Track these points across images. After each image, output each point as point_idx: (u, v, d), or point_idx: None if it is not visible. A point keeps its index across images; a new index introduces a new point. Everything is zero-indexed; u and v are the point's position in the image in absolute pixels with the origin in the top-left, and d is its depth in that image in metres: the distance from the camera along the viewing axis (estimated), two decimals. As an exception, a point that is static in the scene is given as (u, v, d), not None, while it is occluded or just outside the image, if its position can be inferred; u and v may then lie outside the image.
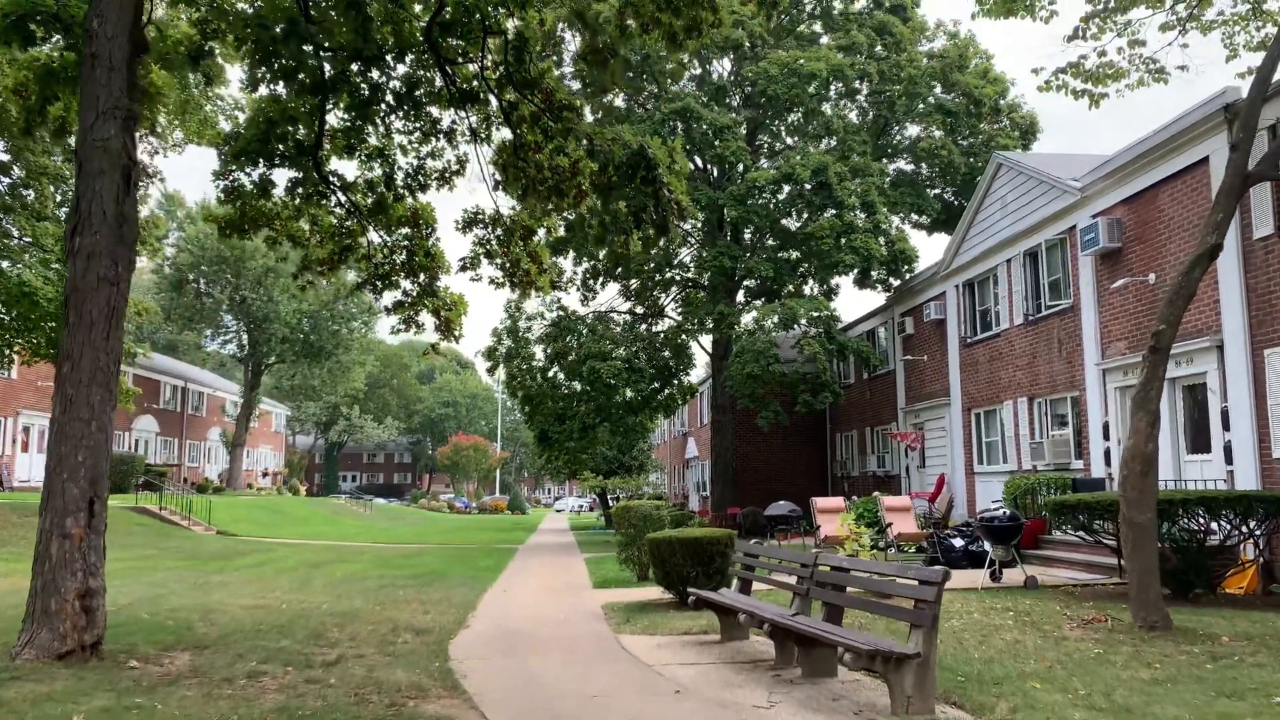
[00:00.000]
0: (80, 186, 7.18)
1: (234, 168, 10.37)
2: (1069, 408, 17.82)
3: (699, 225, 29.62)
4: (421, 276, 11.53)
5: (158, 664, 7.23)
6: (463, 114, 10.63)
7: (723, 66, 28.81)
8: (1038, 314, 18.81)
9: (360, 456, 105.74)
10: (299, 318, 47.02)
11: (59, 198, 20.55)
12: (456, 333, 11.61)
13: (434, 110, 10.79)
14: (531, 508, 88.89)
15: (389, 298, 11.73)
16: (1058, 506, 12.71)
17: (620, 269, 27.19)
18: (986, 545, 15.16)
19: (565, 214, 10.56)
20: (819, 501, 15.79)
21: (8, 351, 21.99)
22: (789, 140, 29.00)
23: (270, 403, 62.64)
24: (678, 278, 29.99)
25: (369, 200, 11.08)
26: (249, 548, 22.68)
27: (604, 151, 8.41)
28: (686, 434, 44.52)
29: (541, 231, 10.99)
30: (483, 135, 10.95)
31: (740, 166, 26.51)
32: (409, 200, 11.19)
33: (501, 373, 27.82)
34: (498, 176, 10.97)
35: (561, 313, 28.18)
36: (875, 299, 27.92)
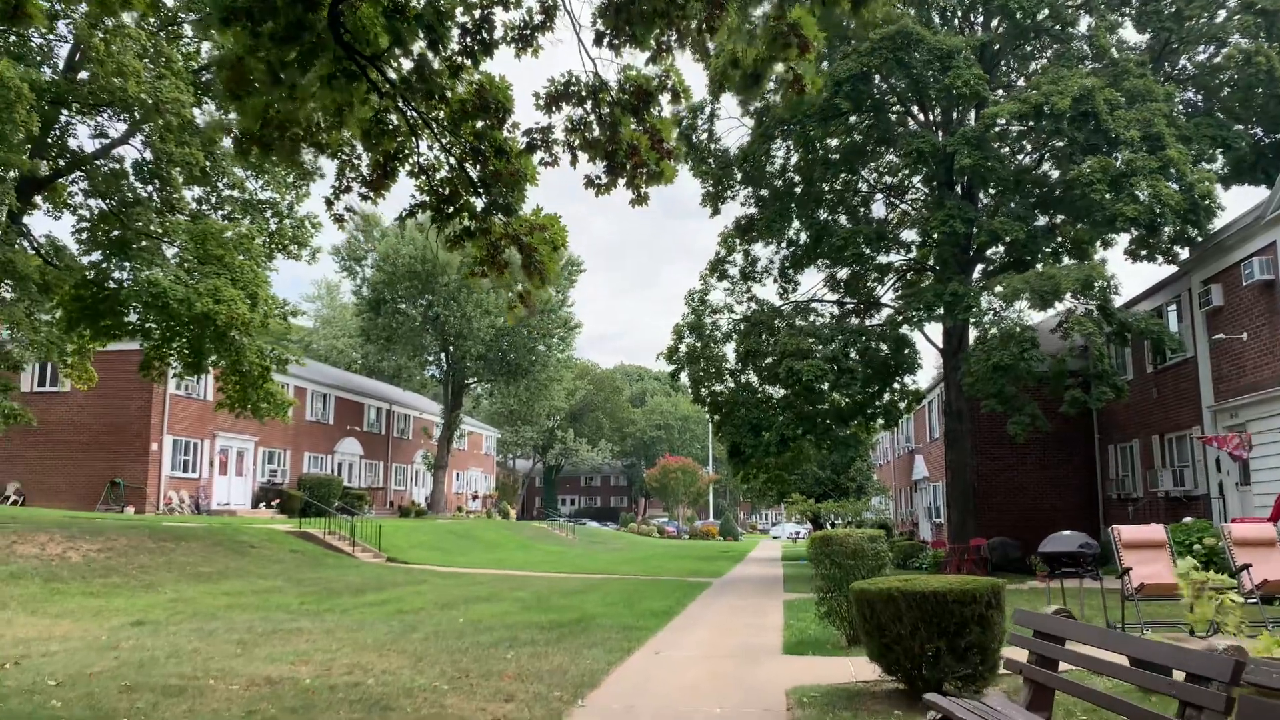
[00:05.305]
0: None
1: (215, 32, 6.99)
2: None
3: (920, 193, 24.51)
4: (501, 190, 7.74)
5: None
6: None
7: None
8: None
9: (578, 480, 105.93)
10: (494, 333, 45.29)
11: (191, 192, 18.74)
12: (550, 275, 7.72)
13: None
14: (746, 533, 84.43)
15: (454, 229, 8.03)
16: None
17: (822, 246, 22.49)
18: None
19: (695, 49, 6.44)
20: (1125, 532, 10.50)
21: (159, 364, 20.47)
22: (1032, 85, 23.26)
23: (479, 425, 61.94)
24: (895, 262, 24.96)
25: (411, 76, 7.43)
26: (402, 579, 19.86)
27: None
28: (913, 451, 38.65)
29: (665, 98, 6.93)
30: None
31: (973, 110, 21.24)
32: (469, 73, 7.43)
33: (685, 378, 23.74)
34: (600, 26, 7.05)
35: (755, 306, 23.87)
36: (1152, 275, 21.67)
